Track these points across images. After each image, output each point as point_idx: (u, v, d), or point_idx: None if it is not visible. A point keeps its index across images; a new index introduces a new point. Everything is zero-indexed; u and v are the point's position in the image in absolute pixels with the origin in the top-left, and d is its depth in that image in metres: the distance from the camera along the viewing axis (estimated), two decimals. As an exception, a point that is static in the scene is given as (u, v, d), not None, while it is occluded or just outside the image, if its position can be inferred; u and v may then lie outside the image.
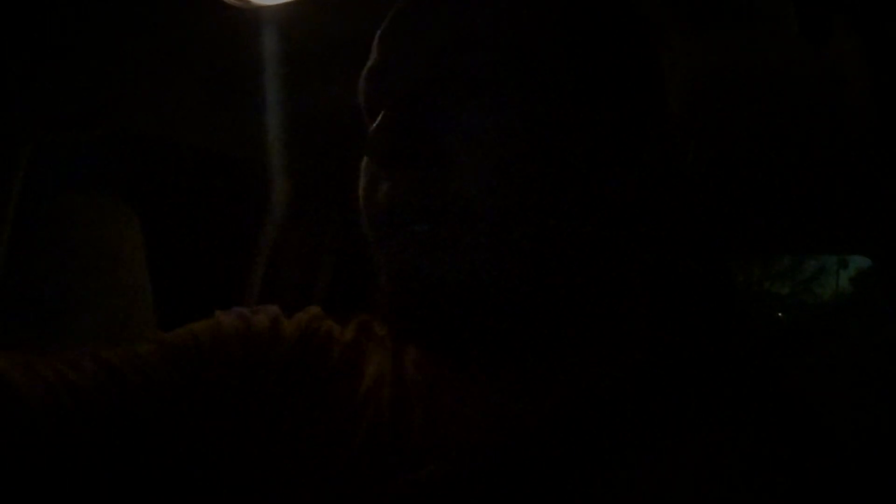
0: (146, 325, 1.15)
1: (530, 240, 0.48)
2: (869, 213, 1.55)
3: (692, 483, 0.45)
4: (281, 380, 0.56)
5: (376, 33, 0.55)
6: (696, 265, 0.57)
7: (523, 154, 0.48)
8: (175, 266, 1.25)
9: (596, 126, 0.50)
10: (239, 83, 1.29)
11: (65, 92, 1.20)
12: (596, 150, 0.50)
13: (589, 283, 0.51)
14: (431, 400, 0.52)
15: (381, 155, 0.48)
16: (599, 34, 0.51)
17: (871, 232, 1.65)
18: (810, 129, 1.22)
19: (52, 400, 0.48)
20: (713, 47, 0.96)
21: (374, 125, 0.49)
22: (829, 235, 1.78)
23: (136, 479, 0.51)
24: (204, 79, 1.30)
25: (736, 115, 1.17)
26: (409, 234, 0.48)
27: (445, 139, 0.48)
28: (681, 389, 0.50)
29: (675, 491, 0.45)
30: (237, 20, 1.07)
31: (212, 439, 0.54)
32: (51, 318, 1.09)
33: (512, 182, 0.48)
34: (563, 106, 0.49)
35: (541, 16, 0.49)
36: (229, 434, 0.54)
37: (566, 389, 0.50)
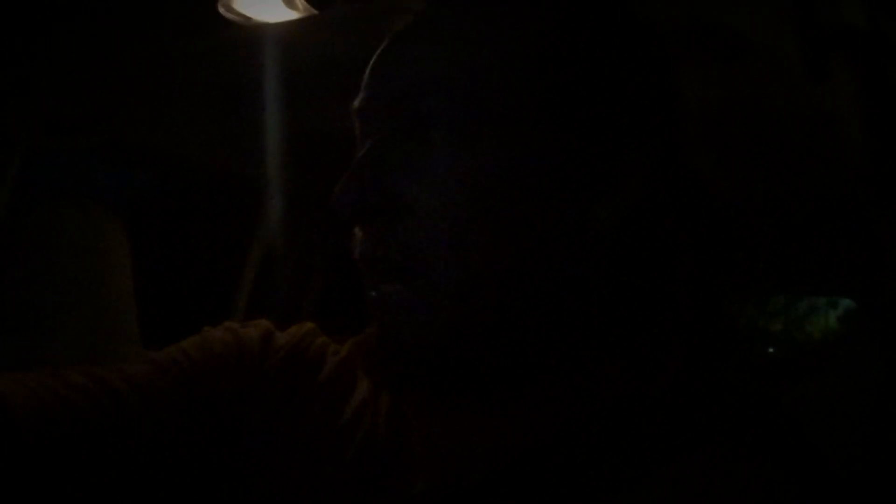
0: (130, 335, 1.14)
1: (496, 288, 0.48)
2: (857, 256, 1.57)
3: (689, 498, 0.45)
4: (272, 392, 0.56)
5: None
6: (694, 298, 0.56)
7: (481, 201, 0.47)
8: (162, 278, 1.24)
9: (556, 165, 0.49)
10: (236, 99, 1.29)
11: (61, 98, 1.20)
12: (559, 188, 0.49)
13: (566, 318, 0.50)
14: (428, 417, 0.52)
15: (342, 215, 0.49)
16: (558, 72, 0.49)
17: (857, 275, 1.68)
18: (805, 169, 1.23)
19: (42, 412, 0.47)
20: (714, 82, 0.97)
21: (337, 185, 0.49)
22: (820, 278, 1.81)
23: (126, 495, 0.50)
24: (201, 93, 1.30)
25: (735, 151, 1.17)
26: (381, 294, 0.49)
27: (409, 189, 0.48)
28: (674, 418, 0.50)
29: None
30: (237, 36, 1.08)
31: (204, 454, 0.53)
32: (33, 325, 1.08)
33: (472, 232, 0.47)
34: (522, 149, 0.48)
35: (495, 58, 0.49)
36: (221, 448, 0.54)
37: (561, 414, 0.50)
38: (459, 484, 0.48)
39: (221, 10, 1.00)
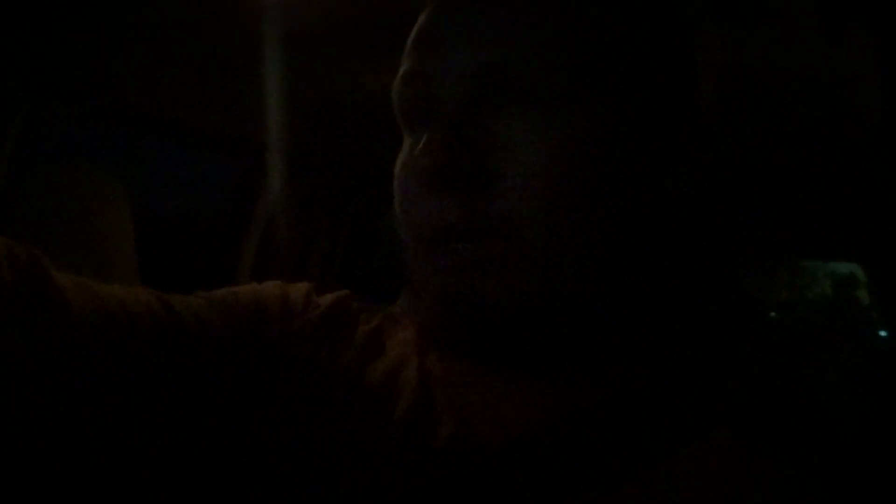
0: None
1: (575, 258, 0.49)
2: (865, 221, 1.57)
3: (707, 486, 0.47)
4: (311, 342, 0.58)
5: (417, 29, 0.53)
6: (710, 269, 0.57)
7: (573, 174, 0.48)
8: (164, 246, 1.23)
9: (640, 139, 0.51)
10: (239, 63, 1.27)
11: (62, 62, 1.18)
12: (640, 164, 0.51)
13: (627, 292, 0.52)
14: (453, 389, 0.54)
15: (428, 177, 0.48)
16: (644, 43, 0.51)
17: (864, 240, 1.69)
18: (819, 133, 1.22)
19: (102, 312, 0.49)
20: (730, 46, 0.95)
21: (422, 144, 0.48)
22: (827, 243, 1.81)
23: (167, 413, 0.53)
24: (204, 56, 1.28)
25: (750, 116, 1.16)
26: (452, 254, 0.49)
27: (494, 157, 0.48)
28: (694, 393, 0.52)
29: (689, 493, 0.46)
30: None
31: (245, 387, 0.56)
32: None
33: (560, 203, 0.48)
34: (610, 122, 0.49)
35: (590, 27, 0.49)
36: (262, 385, 0.56)
37: (588, 390, 0.52)
38: (478, 449, 0.50)
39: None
